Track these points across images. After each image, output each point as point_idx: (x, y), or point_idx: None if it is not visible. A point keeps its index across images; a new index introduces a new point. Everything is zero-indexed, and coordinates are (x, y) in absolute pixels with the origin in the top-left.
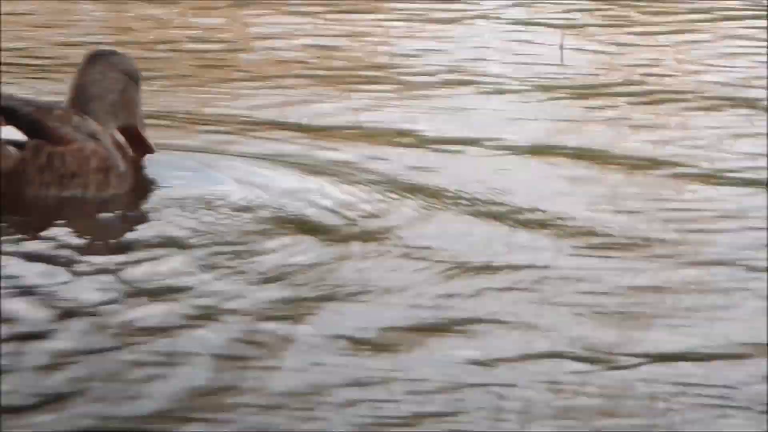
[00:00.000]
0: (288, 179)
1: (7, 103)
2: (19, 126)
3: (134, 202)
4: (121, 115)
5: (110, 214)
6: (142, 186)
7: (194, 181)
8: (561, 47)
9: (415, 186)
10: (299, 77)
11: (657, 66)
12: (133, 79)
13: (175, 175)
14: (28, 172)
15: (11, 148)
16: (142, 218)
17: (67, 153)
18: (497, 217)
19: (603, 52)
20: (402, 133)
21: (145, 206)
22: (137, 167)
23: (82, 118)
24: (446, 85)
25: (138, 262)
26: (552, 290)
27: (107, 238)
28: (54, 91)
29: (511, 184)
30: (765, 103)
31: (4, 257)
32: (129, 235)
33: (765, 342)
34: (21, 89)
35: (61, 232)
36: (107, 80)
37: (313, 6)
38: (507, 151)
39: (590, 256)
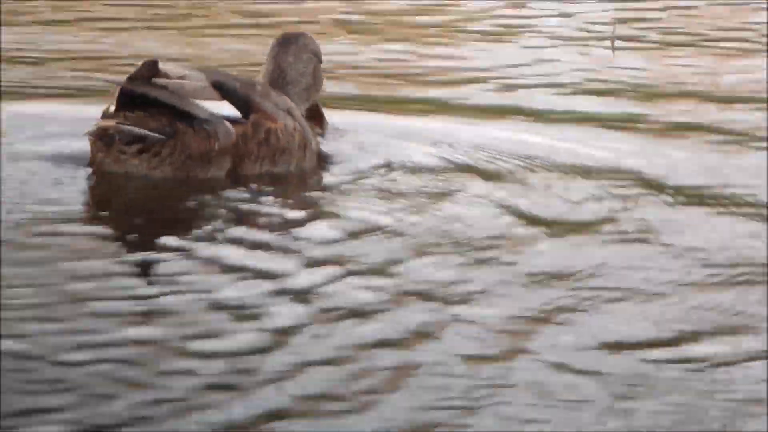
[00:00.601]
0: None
1: (217, 78)
2: (232, 102)
3: (329, 179)
4: (312, 96)
5: (315, 192)
6: (329, 161)
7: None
8: (612, 43)
9: None
10: None
11: None
12: (319, 58)
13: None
14: (249, 147)
15: (228, 124)
16: (345, 201)
17: (279, 129)
18: None
19: None
20: None
21: (346, 185)
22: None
23: (277, 94)
24: None
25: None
26: None
27: (319, 219)
28: None
29: None
30: None
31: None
32: (341, 220)
33: None
34: None
35: (274, 212)
36: (301, 63)
37: None
38: None
39: None
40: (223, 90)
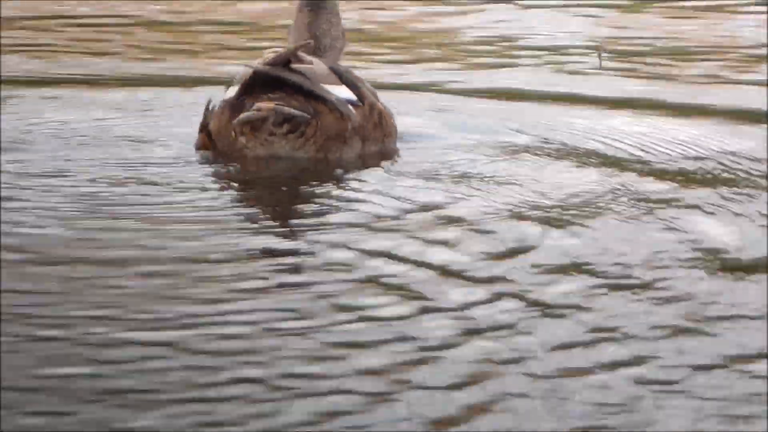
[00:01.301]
0: None
1: (334, 66)
2: (348, 86)
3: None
4: (341, 57)
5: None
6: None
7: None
8: (599, 57)
9: None
10: None
11: None
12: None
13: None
14: (367, 129)
15: (351, 107)
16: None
17: (385, 113)
18: None
19: None
20: None
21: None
22: None
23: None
24: None
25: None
26: None
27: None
28: None
29: None
30: None
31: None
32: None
33: None
34: None
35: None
36: (334, 27)
37: None
38: None
39: None
40: (338, 74)
